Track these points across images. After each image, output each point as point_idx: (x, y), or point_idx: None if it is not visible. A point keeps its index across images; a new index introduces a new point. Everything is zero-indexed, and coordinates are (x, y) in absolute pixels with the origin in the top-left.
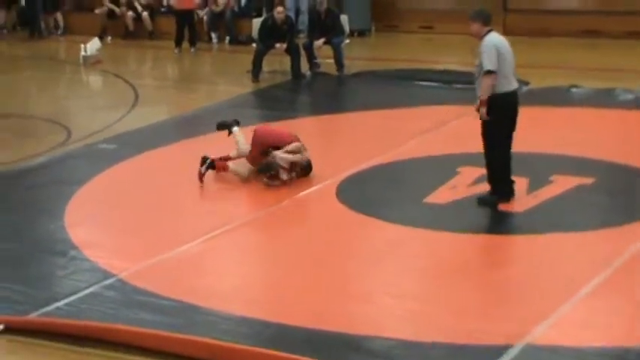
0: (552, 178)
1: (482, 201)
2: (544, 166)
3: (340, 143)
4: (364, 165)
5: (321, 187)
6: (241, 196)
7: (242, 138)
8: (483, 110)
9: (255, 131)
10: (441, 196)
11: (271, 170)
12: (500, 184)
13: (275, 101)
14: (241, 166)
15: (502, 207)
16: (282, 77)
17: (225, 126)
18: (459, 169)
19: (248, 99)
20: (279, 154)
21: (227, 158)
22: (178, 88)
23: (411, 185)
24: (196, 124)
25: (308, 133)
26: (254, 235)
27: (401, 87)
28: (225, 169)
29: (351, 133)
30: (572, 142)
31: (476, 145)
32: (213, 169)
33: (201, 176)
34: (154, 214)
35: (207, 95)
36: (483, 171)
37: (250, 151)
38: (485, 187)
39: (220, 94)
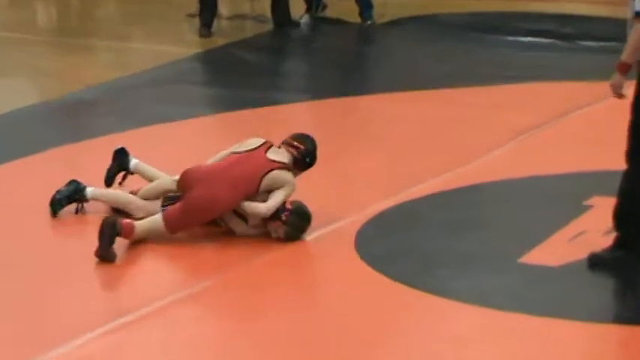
0: (590, 201)
1: (596, 260)
2: (578, 185)
3: (362, 153)
4: (405, 193)
5: (329, 233)
6: (183, 250)
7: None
8: (620, 81)
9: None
10: (553, 251)
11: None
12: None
13: (242, 72)
14: None
15: None
16: (256, 27)
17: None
18: (589, 202)
19: (190, 68)
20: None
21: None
22: (60, 47)
23: (495, 231)
24: (89, 115)
25: (306, 130)
26: (203, 322)
27: (474, 46)
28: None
29: (382, 134)
30: None
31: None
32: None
33: (106, 253)
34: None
35: (115, 61)
36: None
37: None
38: None
39: (138, 58)
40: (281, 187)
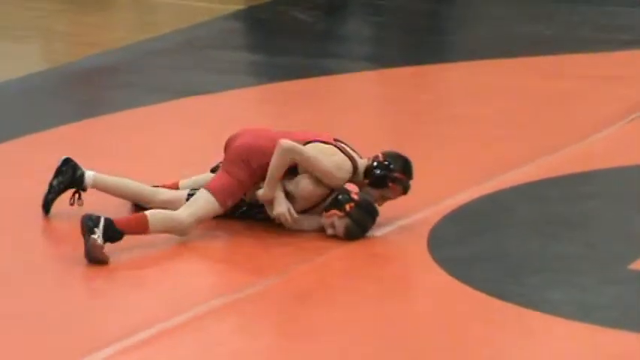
0: None
1: None
2: None
3: (438, 134)
4: (490, 183)
5: (396, 232)
6: (217, 250)
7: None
8: None
9: (235, 137)
10: None
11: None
12: None
13: (293, 35)
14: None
15: None
16: None
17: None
18: None
19: (230, 28)
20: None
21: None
22: (74, 4)
23: (600, 231)
24: (108, 85)
25: (369, 109)
26: (241, 337)
27: (577, 3)
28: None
29: (463, 112)
30: None
31: None
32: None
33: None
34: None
35: (139, 20)
36: None
37: (229, 175)
38: None
39: (167, 15)
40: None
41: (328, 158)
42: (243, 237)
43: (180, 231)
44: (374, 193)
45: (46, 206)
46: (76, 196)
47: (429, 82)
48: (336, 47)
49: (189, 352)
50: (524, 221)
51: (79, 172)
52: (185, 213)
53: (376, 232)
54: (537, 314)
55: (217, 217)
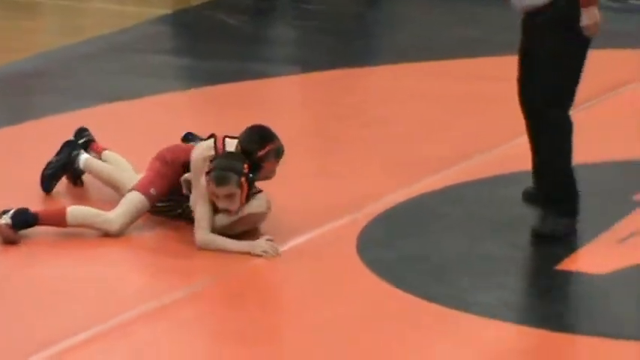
0: None
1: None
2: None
3: (364, 138)
4: (417, 186)
5: (325, 235)
6: (151, 253)
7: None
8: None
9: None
10: (599, 256)
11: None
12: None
13: (220, 38)
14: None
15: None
16: None
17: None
18: None
19: (158, 33)
20: None
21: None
22: None
23: (526, 232)
24: (34, 91)
25: (295, 112)
26: (172, 341)
27: (504, 7)
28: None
29: (389, 115)
30: None
31: None
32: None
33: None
34: None
35: (66, 24)
36: None
37: (148, 171)
38: None
39: (95, 20)
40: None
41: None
42: (175, 240)
43: (110, 230)
44: (260, 176)
45: (44, 183)
46: (75, 178)
47: (355, 85)
48: (263, 51)
49: (120, 356)
50: (451, 223)
51: (74, 153)
52: (114, 213)
53: (305, 234)
54: (465, 315)
55: (152, 219)
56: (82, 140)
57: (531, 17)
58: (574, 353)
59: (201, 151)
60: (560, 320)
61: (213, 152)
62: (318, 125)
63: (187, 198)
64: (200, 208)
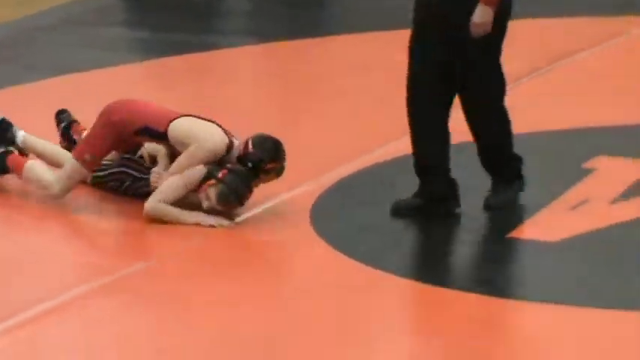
0: (593, 162)
1: (493, 205)
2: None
3: (318, 108)
4: (370, 156)
5: (278, 206)
6: (105, 227)
7: None
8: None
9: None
10: (550, 224)
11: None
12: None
13: (172, 11)
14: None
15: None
16: None
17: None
18: (590, 164)
19: (110, 5)
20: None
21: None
22: None
23: (478, 201)
24: None
25: (251, 83)
26: (127, 316)
27: None
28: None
29: (343, 85)
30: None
31: (635, 106)
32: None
33: None
34: None
35: None
36: None
37: (94, 131)
38: None
39: None
40: (191, 144)
41: (204, 137)
42: (128, 216)
43: (49, 194)
44: (254, 183)
45: None
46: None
47: (310, 55)
48: (217, 22)
49: (72, 330)
50: (403, 193)
51: (11, 129)
52: (54, 177)
53: (258, 207)
54: (418, 284)
55: (102, 195)
56: (64, 124)
57: None
58: (523, 319)
59: (217, 144)
60: (510, 287)
61: (225, 148)
62: (274, 96)
63: (131, 174)
64: (175, 192)
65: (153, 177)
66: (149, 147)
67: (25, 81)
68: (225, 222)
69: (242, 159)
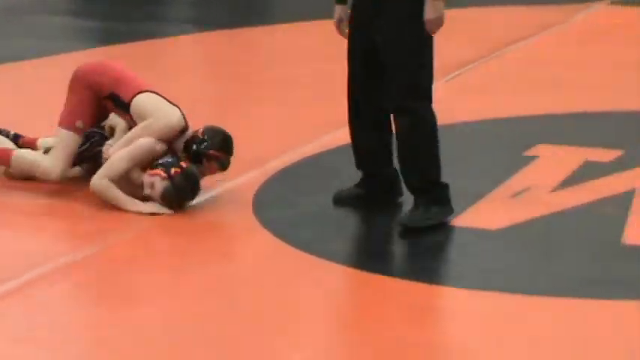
0: (534, 150)
1: (408, 223)
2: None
3: (261, 97)
4: (313, 144)
5: (220, 195)
6: (46, 215)
7: None
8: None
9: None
10: (491, 212)
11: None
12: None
13: None
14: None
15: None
16: None
17: None
18: (532, 151)
19: None
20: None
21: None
22: None
23: None
24: None
25: (193, 72)
26: (66, 305)
27: None
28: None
29: (286, 73)
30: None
31: (574, 94)
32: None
33: None
34: None
35: None
36: (587, 153)
37: (67, 102)
38: (596, 189)
39: None
40: (147, 118)
41: (161, 119)
42: (69, 201)
43: (51, 179)
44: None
45: None
46: None
47: (251, 44)
48: (159, 11)
49: (13, 319)
50: (347, 181)
51: None
52: (49, 160)
53: (201, 196)
54: (359, 272)
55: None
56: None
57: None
58: (462, 307)
59: (173, 122)
60: (450, 275)
61: (179, 129)
62: (216, 85)
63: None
64: (120, 163)
65: (105, 148)
66: (112, 120)
67: None
68: (166, 210)
69: (189, 143)
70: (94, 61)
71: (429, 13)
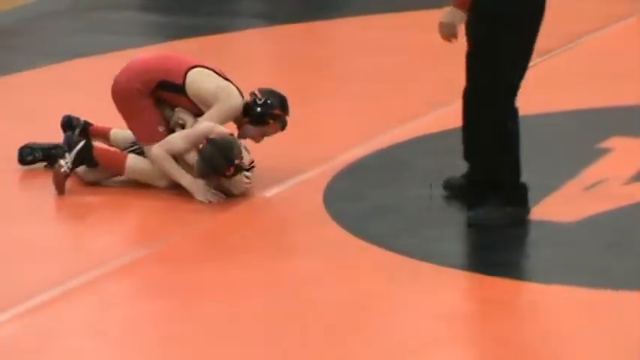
0: (608, 143)
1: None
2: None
3: (330, 90)
4: (383, 138)
5: (291, 189)
6: (114, 211)
7: None
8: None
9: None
10: (565, 205)
11: (230, 158)
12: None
13: None
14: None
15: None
16: None
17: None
18: (606, 144)
19: None
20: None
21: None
22: None
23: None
24: None
25: (262, 66)
26: (138, 300)
27: None
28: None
29: (355, 67)
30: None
31: None
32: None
33: (62, 179)
34: None
35: None
36: None
37: (133, 112)
38: None
39: None
40: (213, 102)
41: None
42: (138, 198)
43: (158, 185)
44: (254, 130)
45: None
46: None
47: (320, 38)
48: (228, 5)
49: (85, 314)
50: (419, 175)
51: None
52: (155, 172)
53: (272, 188)
54: (432, 267)
55: (120, 179)
56: (77, 130)
57: None
58: (544, 302)
59: (239, 102)
60: (529, 270)
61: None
62: (286, 78)
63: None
64: (179, 142)
65: (176, 114)
66: (178, 114)
67: (37, 66)
68: (219, 196)
69: (250, 107)
70: (121, 72)
71: (443, 17)
